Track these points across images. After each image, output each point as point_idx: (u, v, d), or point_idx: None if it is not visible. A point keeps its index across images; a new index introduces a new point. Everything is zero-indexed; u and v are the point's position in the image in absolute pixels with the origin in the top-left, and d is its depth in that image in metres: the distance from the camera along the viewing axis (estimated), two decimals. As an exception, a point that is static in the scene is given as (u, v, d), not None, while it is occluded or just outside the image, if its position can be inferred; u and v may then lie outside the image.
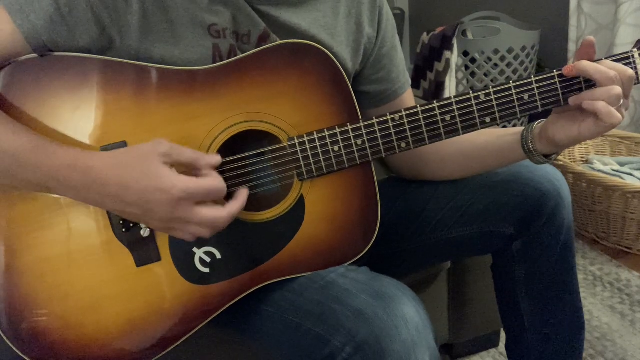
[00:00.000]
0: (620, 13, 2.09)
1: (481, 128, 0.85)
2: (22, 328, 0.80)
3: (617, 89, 0.79)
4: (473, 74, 2.55)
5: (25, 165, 0.74)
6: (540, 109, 0.85)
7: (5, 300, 0.80)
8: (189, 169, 0.75)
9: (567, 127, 0.85)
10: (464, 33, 2.54)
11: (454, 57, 2.50)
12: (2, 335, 0.81)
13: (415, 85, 2.75)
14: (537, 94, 0.84)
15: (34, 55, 0.78)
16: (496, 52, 2.49)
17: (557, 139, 0.86)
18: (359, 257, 0.88)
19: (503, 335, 1.37)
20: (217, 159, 0.77)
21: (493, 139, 0.94)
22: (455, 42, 2.49)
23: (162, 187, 0.71)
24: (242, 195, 0.79)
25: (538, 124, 0.90)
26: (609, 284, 1.70)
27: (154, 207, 0.72)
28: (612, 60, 0.83)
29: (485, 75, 2.53)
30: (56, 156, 0.74)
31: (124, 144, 0.79)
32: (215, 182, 0.74)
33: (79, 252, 0.80)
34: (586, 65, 0.81)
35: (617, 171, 1.96)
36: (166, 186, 0.71)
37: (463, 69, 2.56)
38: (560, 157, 1.93)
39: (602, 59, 0.83)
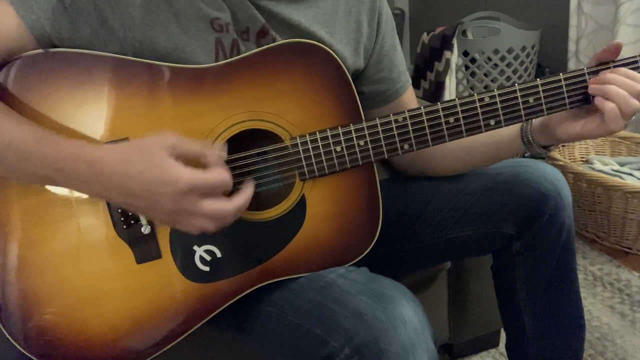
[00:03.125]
0: (620, 13, 2.09)
1: (485, 131, 0.85)
2: (23, 323, 0.81)
3: (636, 103, 0.80)
4: (473, 74, 2.55)
5: (31, 158, 0.74)
6: (545, 113, 0.84)
7: (5, 295, 0.80)
8: (196, 162, 0.74)
9: (569, 124, 0.85)
10: (464, 33, 2.54)
11: (454, 57, 2.50)
12: (2, 329, 0.81)
13: (415, 85, 2.75)
14: (542, 98, 0.83)
15: (39, 50, 0.79)
16: (496, 52, 2.49)
17: (558, 133, 0.87)
18: (359, 258, 0.88)
19: (503, 335, 1.37)
20: (224, 153, 0.76)
21: (492, 132, 0.94)
22: (455, 42, 2.49)
23: (168, 179, 0.71)
24: (249, 188, 0.77)
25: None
26: (609, 284, 1.70)
27: (159, 199, 0.72)
28: (617, 64, 0.83)
29: (485, 75, 2.53)
30: (61, 148, 0.74)
31: (126, 141, 0.80)
32: (221, 175, 0.73)
33: (79, 248, 0.80)
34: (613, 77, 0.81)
35: (617, 171, 1.96)
36: (172, 178, 0.71)
37: (463, 69, 2.56)
38: (560, 157, 1.93)
39: (609, 64, 0.83)
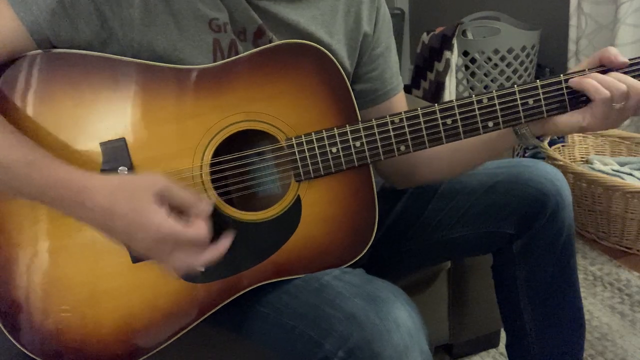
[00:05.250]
0: (620, 13, 2.09)
1: (483, 132, 0.83)
2: (20, 321, 0.81)
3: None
4: (473, 74, 2.55)
5: (18, 179, 0.75)
6: (545, 115, 0.82)
7: (3, 294, 0.80)
8: (181, 209, 0.76)
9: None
10: (464, 33, 2.54)
11: (454, 57, 2.50)
12: (2, 328, 0.81)
13: (415, 85, 2.75)
14: (542, 99, 0.81)
15: (38, 51, 0.79)
16: (496, 52, 2.48)
17: (546, 127, 0.83)
18: (355, 260, 0.87)
19: (503, 335, 1.37)
20: (209, 207, 0.78)
21: None
22: (455, 42, 2.49)
23: (147, 226, 0.73)
24: (224, 244, 0.79)
25: None
26: (609, 284, 1.70)
27: (136, 241, 0.75)
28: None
29: (485, 75, 2.53)
30: (49, 173, 0.75)
31: (122, 141, 0.80)
32: (199, 231, 0.75)
33: (75, 246, 0.81)
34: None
35: (617, 171, 1.96)
36: (152, 226, 0.73)
37: (463, 69, 2.56)
38: (560, 157, 1.93)
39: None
